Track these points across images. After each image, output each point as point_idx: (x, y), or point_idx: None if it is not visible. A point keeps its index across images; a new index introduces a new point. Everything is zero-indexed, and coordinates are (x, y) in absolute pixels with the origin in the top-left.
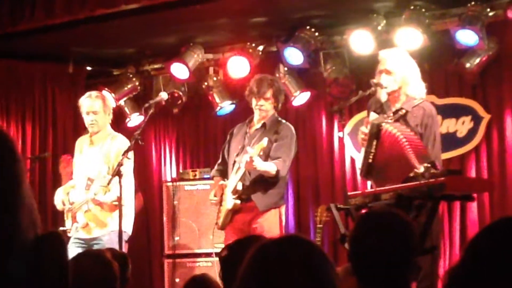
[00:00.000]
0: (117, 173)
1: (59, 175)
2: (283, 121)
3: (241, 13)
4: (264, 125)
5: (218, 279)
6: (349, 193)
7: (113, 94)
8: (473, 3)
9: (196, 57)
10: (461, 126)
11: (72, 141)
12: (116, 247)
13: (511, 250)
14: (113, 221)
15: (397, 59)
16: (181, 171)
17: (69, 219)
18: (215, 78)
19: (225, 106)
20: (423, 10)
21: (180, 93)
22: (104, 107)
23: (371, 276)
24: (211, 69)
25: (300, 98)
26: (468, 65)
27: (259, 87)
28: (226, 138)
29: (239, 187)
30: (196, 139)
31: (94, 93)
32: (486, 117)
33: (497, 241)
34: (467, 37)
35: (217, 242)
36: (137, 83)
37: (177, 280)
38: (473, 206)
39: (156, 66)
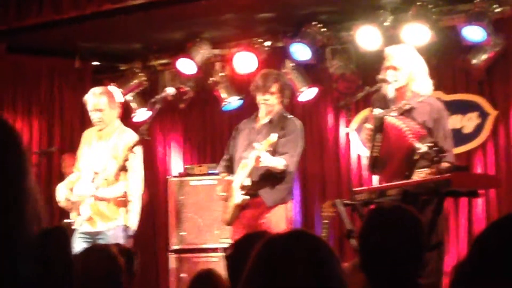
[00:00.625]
0: (123, 168)
1: (63, 173)
2: (290, 116)
3: (248, 8)
4: (271, 120)
5: (224, 274)
6: (355, 189)
7: (120, 89)
8: None
9: (203, 52)
10: (467, 122)
11: (79, 136)
12: (121, 242)
13: None
14: (118, 215)
15: (403, 55)
16: (187, 166)
17: (74, 212)
18: (221, 74)
19: (232, 102)
20: (430, 6)
21: (187, 89)
22: (110, 103)
23: (379, 272)
24: (217, 65)
25: (307, 93)
26: (475, 61)
27: (264, 82)
28: (232, 134)
29: (247, 182)
30: (202, 134)
31: (98, 89)
32: (492, 113)
33: (504, 237)
34: (474, 33)
35: (222, 237)
36: (143, 78)
37: (182, 275)
38: (480, 202)
39: (163, 61)
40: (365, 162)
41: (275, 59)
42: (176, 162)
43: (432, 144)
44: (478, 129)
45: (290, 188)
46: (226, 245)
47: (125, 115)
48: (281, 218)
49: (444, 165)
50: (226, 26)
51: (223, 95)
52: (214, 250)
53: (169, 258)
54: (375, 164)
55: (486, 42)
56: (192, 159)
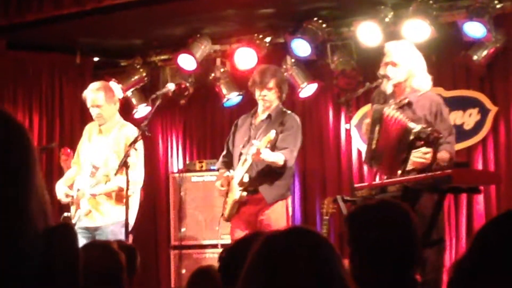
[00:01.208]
0: (124, 164)
1: (61, 168)
2: (289, 111)
3: (248, 4)
4: (269, 116)
5: None
6: (355, 185)
7: (120, 85)
8: None
9: (203, 48)
10: (468, 118)
11: (79, 132)
12: (120, 238)
13: None
14: (117, 211)
15: (403, 51)
16: (188, 162)
17: (74, 206)
18: (222, 70)
19: (232, 98)
20: (431, 2)
21: (187, 84)
22: (107, 98)
23: (368, 272)
24: (218, 61)
25: (307, 89)
26: (475, 57)
27: (262, 77)
28: (231, 129)
29: (246, 179)
30: (203, 130)
31: (96, 85)
32: (493, 109)
33: (503, 233)
34: (474, 29)
35: (223, 233)
36: (144, 74)
37: (183, 271)
38: (480, 199)
39: (163, 57)
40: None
41: (275, 55)
42: (176, 158)
43: (426, 125)
44: (479, 125)
45: (289, 183)
46: (226, 242)
47: (126, 111)
48: (281, 214)
49: (443, 155)
50: (227, 22)
51: (224, 91)
52: (214, 246)
53: (170, 254)
54: (373, 157)
55: (486, 38)
56: (192, 155)
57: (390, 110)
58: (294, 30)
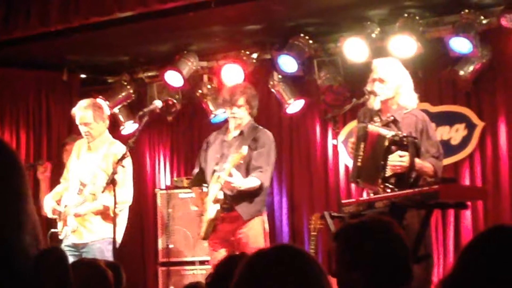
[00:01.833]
0: (111, 181)
1: (37, 180)
2: (260, 127)
3: (235, 20)
4: (241, 132)
5: None
6: (343, 201)
7: (107, 102)
8: (466, 10)
9: (190, 64)
10: (455, 133)
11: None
12: (106, 255)
13: (502, 259)
14: (104, 228)
15: (391, 68)
16: (175, 178)
17: (61, 222)
18: (209, 86)
19: (220, 114)
20: (417, 17)
21: (175, 101)
22: (95, 116)
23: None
24: (205, 77)
25: (294, 105)
26: (462, 72)
27: (231, 95)
28: (202, 146)
29: (220, 196)
30: (190, 146)
31: (84, 103)
32: (480, 124)
33: (490, 249)
34: (460, 44)
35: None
36: (131, 91)
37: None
38: (467, 214)
39: (150, 73)
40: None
41: (262, 71)
42: (164, 175)
43: (399, 132)
44: (465, 141)
45: (264, 199)
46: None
47: (113, 128)
48: (258, 231)
49: (425, 165)
50: (214, 38)
51: (211, 107)
52: (202, 262)
53: (158, 270)
54: (359, 174)
55: (472, 53)
56: (180, 172)
57: (373, 127)
58: (281, 46)
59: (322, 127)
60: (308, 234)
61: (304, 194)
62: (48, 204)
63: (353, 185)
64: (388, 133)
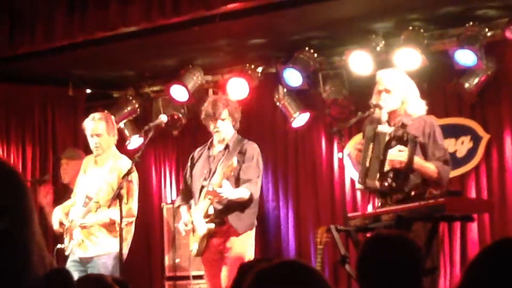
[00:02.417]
0: (118, 196)
1: (41, 206)
2: (245, 140)
3: (240, 34)
4: (227, 146)
5: None
6: (349, 215)
7: (113, 117)
8: (471, 23)
9: (196, 79)
10: (460, 146)
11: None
12: (112, 271)
13: (509, 272)
14: (110, 242)
15: (395, 78)
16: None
17: (67, 237)
18: None
19: None
20: (422, 30)
21: (180, 115)
22: (108, 128)
23: None
24: (210, 91)
25: (300, 119)
26: (467, 85)
27: (214, 109)
28: (188, 163)
29: (211, 210)
30: None
31: (97, 115)
32: (485, 137)
33: (497, 262)
34: (465, 57)
35: None
36: (136, 106)
37: None
38: (474, 227)
39: (155, 88)
40: (357, 186)
41: (267, 85)
42: (170, 189)
43: (400, 126)
44: (471, 153)
45: (256, 212)
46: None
47: (119, 143)
48: (248, 245)
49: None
50: (219, 53)
51: None
52: None
53: (165, 285)
54: (368, 175)
55: (477, 66)
56: None
57: (383, 127)
58: (286, 60)
59: (328, 141)
60: (314, 248)
61: (310, 207)
62: (57, 215)
63: (359, 197)
64: (389, 129)
